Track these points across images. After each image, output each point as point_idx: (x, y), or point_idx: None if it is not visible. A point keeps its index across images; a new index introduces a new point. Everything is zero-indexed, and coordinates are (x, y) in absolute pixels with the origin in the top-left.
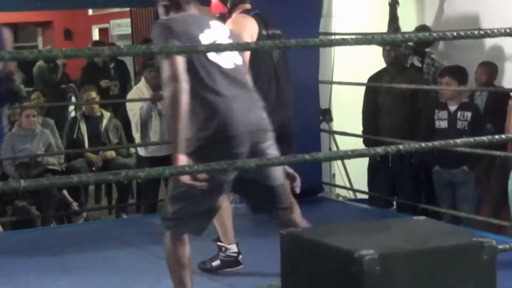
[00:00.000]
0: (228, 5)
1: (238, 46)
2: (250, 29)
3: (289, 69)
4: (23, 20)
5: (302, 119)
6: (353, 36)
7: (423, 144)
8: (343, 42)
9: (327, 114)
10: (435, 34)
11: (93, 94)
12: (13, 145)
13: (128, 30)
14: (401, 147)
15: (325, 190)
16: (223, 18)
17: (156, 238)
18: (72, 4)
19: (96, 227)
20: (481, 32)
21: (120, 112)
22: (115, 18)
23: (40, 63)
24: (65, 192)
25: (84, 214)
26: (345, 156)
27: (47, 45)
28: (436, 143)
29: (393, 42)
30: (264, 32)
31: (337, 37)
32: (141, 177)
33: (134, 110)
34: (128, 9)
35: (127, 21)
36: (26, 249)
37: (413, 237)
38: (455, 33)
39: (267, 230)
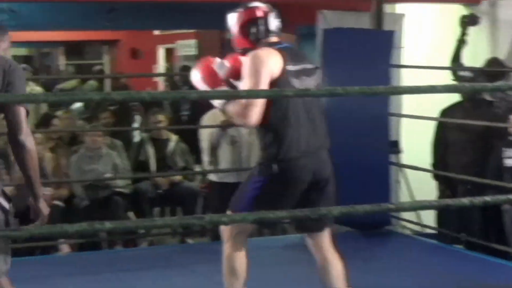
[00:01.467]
0: (253, 38)
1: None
2: (269, 65)
3: (323, 108)
4: (90, 38)
5: (371, 151)
6: (422, 69)
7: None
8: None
9: (395, 146)
10: None
11: (161, 117)
12: (80, 165)
13: (194, 51)
14: (488, 198)
15: (393, 223)
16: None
17: (219, 267)
18: (139, 25)
19: (160, 252)
20: None
21: (187, 135)
22: (181, 39)
23: (93, 83)
24: (131, 214)
25: (149, 238)
26: (429, 206)
27: (113, 63)
28: None
29: (472, 90)
30: (291, 68)
31: (407, 71)
32: (225, 222)
33: (205, 135)
34: (194, 30)
35: (193, 42)
36: (92, 271)
37: None
38: None
39: None
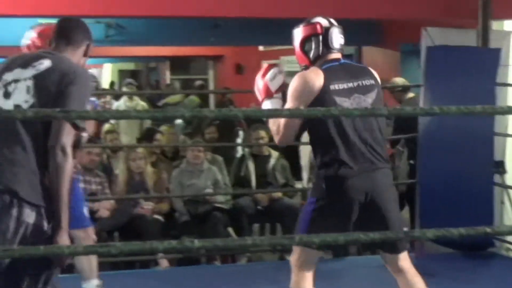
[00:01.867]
0: (311, 55)
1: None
2: (310, 86)
3: (378, 127)
4: (196, 53)
5: (474, 171)
6: None
7: None
8: None
9: (500, 167)
10: None
11: (263, 133)
12: (181, 180)
13: (298, 67)
14: None
15: (496, 245)
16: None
17: (318, 285)
18: (243, 40)
19: (258, 269)
20: None
21: (288, 152)
22: (285, 55)
23: (194, 98)
24: (230, 230)
25: (248, 254)
26: None
27: (218, 79)
28: None
29: None
30: (340, 86)
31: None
32: (315, 242)
33: (306, 152)
34: None
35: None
36: (189, 286)
37: None
38: None
39: None
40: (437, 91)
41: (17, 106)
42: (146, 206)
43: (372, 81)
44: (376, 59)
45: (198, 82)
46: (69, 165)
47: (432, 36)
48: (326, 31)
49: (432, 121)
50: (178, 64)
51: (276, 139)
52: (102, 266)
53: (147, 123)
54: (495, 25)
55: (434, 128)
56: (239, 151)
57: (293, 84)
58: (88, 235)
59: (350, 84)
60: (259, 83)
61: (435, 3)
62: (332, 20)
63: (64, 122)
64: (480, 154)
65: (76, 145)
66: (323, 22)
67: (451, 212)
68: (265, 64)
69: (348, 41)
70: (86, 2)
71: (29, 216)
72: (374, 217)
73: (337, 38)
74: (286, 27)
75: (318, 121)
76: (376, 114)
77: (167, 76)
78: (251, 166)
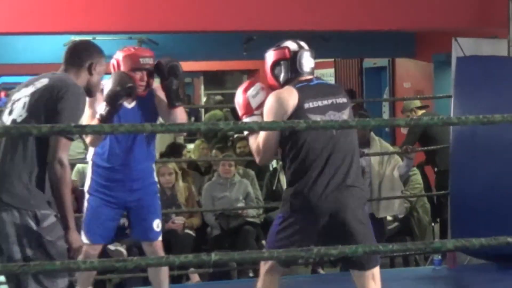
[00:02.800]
0: (280, 79)
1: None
2: (284, 105)
3: (355, 146)
4: (230, 68)
5: (508, 180)
6: None
7: None
8: None
9: None
10: None
11: None
12: (212, 193)
13: (331, 80)
14: None
15: None
16: None
17: None
18: None
19: (290, 282)
20: None
21: None
22: (318, 68)
23: (217, 112)
24: (264, 243)
25: None
26: None
27: None
28: None
29: None
30: (314, 104)
31: None
32: (333, 254)
33: None
34: (331, 59)
35: (330, 71)
36: None
37: None
38: None
39: None
40: (467, 102)
41: (13, 121)
42: (178, 221)
43: (345, 99)
44: (409, 71)
45: (217, 97)
46: (67, 175)
47: (463, 47)
48: (294, 55)
49: (465, 130)
50: (212, 79)
51: (257, 159)
52: (134, 282)
53: (180, 138)
54: None
55: (467, 138)
56: (272, 165)
57: (268, 103)
58: (153, 248)
59: (325, 102)
60: (240, 98)
61: (466, 13)
62: (303, 43)
63: (59, 138)
64: None
65: None
66: (292, 46)
67: (484, 222)
68: (247, 79)
69: (381, 54)
70: (118, 18)
71: (16, 217)
72: (339, 236)
73: (307, 61)
74: (318, 39)
75: (290, 140)
76: (394, 125)
77: (202, 91)
78: (283, 179)
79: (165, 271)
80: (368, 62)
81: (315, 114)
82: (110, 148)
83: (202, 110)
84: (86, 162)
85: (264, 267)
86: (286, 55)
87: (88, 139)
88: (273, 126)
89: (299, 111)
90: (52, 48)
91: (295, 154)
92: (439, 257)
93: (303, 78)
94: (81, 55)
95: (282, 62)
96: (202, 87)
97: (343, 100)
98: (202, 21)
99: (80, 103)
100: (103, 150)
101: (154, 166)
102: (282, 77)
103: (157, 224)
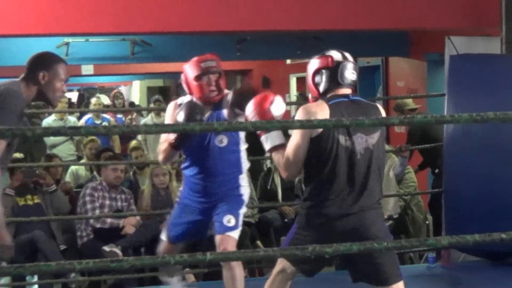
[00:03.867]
0: (320, 88)
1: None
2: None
3: (382, 166)
4: (223, 68)
5: (501, 179)
6: None
7: None
8: None
9: None
10: None
11: None
12: None
13: None
14: None
15: None
16: None
17: None
18: (269, 54)
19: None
20: None
21: None
22: None
23: None
24: (258, 243)
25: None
26: None
27: None
28: None
29: None
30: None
31: None
32: (328, 252)
33: None
34: None
35: None
36: None
37: None
38: None
39: None
40: (461, 100)
41: None
42: None
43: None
44: (403, 70)
45: None
46: None
47: (456, 45)
48: (337, 65)
49: (458, 129)
50: None
51: (285, 174)
52: (128, 282)
53: None
54: None
55: (461, 137)
56: (267, 164)
57: (298, 117)
58: (219, 241)
59: None
60: (260, 110)
61: (459, 12)
62: (347, 55)
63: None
64: (507, 161)
65: None
66: (336, 56)
67: (478, 220)
68: (267, 92)
69: (374, 53)
70: (111, 20)
71: None
72: (359, 258)
73: (348, 73)
74: (311, 39)
75: (317, 155)
76: (388, 124)
77: None
78: (277, 179)
79: (240, 281)
80: (362, 61)
81: (343, 135)
82: (191, 159)
83: None
84: (79, 164)
85: (276, 268)
86: (329, 63)
87: (160, 156)
88: (268, 126)
89: (327, 131)
90: (45, 49)
91: (318, 169)
92: (434, 255)
93: (342, 91)
94: (32, 66)
95: (324, 71)
96: None
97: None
98: (195, 22)
99: (12, 107)
100: (187, 160)
101: (243, 175)
102: (322, 86)
103: (228, 219)
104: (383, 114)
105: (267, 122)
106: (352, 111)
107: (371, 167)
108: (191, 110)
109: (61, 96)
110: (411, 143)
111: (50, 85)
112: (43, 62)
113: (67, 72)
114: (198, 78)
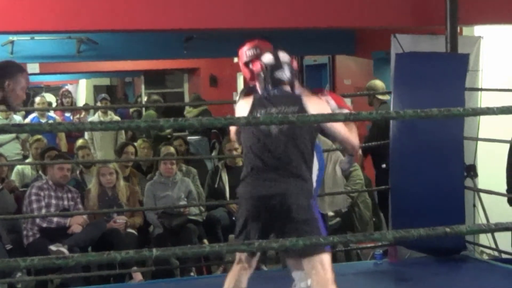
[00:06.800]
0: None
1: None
2: (238, 112)
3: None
4: (171, 66)
5: (445, 176)
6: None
7: None
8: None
9: (471, 170)
10: None
11: (236, 144)
12: (154, 192)
13: None
14: None
15: (469, 248)
16: None
17: None
18: (216, 52)
19: None
20: None
21: None
22: None
23: (150, 112)
24: (205, 241)
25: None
26: (488, 230)
27: (193, 91)
28: None
29: None
30: (263, 112)
31: (487, 94)
32: (274, 247)
33: None
34: None
35: None
36: None
37: None
38: None
39: None
40: (406, 97)
41: None
42: (119, 220)
43: (295, 109)
44: (349, 68)
45: (153, 97)
46: None
47: (402, 43)
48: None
49: (403, 126)
50: (153, 78)
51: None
52: (75, 281)
53: (123, 138)
54: (465, 30)
55: (405, 134)
56: (214, 162)
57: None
58: None
59: (272, 110)
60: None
61: (404, 11)
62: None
63: None
64: (451, 158)
65: None
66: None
67: (423, 216)
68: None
69: (321, 51)
70: (57, 17)
71: None
72: (272, 219)
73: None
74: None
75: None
76: (333, 120)
77: (142, 90)
78: (224, 177)
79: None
80: (309, 60)
81: None
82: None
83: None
84: (25, 163)
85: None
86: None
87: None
88: (214, 122)
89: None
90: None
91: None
92: (381, 251)
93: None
94: None
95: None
96: (143, 86)
97: (293, 109)
98: (142, 19)
99: None
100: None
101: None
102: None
103: None
104: (306, 103)
105: (215, 119)
106: (269, 101)
107: (278, 144)
108: None
109: (18, 104)
110: (372, 139)
111: (13, 92)
112: (7, 72)
113: (27, 80)
114: (246, 65)
